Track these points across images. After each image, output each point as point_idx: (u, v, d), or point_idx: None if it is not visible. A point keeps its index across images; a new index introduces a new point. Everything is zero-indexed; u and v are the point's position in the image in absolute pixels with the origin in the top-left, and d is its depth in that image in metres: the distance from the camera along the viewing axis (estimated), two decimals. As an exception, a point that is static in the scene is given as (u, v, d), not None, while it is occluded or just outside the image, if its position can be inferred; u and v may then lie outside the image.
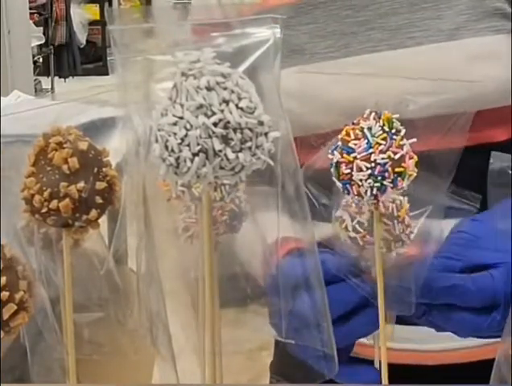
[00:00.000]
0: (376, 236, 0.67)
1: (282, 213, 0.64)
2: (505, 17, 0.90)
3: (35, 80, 6.46)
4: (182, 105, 0.50)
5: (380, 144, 0.64)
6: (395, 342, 0.84)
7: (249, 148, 0.50)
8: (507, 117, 0.91)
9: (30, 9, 6.23)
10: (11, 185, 0.59)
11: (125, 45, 0.60)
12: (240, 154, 0.50)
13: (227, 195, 0.63)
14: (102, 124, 0.73)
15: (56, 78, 8.22)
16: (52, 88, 7.83)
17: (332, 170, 0.65)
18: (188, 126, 0.49)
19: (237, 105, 0.50)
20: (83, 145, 0.57)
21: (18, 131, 0.66)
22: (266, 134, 0.51)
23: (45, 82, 7.58)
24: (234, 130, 0.50)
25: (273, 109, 0.57)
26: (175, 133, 0.50)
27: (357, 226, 0.69)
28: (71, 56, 8.62)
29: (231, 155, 0.49)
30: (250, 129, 0.50)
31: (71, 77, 8.49)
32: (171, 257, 0.71)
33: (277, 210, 0.65)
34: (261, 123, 0.51)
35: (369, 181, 0.63)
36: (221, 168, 0.50)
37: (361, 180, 0.64)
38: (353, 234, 0.69)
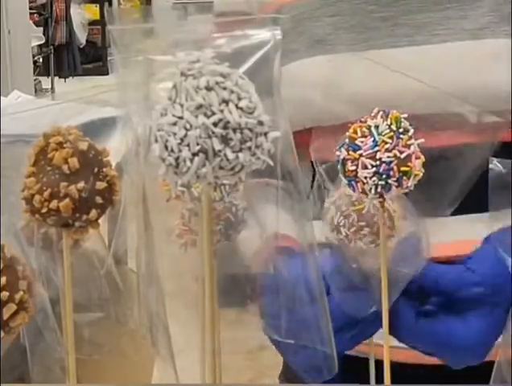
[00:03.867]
0: (381, 234, 0.67)
1: (282, 212, 0.64)
2: None
3: (35, 80, 6.47)
4: (181, 105, 0.50)
5: (386, 142, 0.64)
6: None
7: (249, 148, 0.50)
8: None
9: (31, 9, 6.23)
10: (11, 185, 0.59)
11: (125, 45, 0.60)
12: (240, 154, 0.50)
13: (226, 195, 0.63)
14: (102, 124, 0.73)
15: (56, 78, 8.22)
16: (52, 88, 7.84)
17: (339, 166, 0.66)
18: (188, 126, 0.49)
19: (236, 105, 0.50)
20: (83, 145, 0.57)
21: (18, 131, 0.66)
22: (265, 134, 0.51)
23: (45, 82, 7.58)
24: (234, 130, 0.50)
25: (273, 109, 0.57)
26: (174, 133, 0.50)
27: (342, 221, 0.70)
28: (71, 56, 8.61)
29: (231, 155, 0.49)
30: (250, 129, 0.50)
31: (71, 77, 8.49)
32: (170, 257, 0.71)
33: (276, 210, 0.65)
34: (260, 123, 0.51)
35: (374, 179, 0.64)
36: (221, 168, 0.50)
37: (365, 177, 0.64)
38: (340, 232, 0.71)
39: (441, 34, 0.91)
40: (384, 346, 0.68)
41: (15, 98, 2.28)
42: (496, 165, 0.70)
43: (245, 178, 0.52)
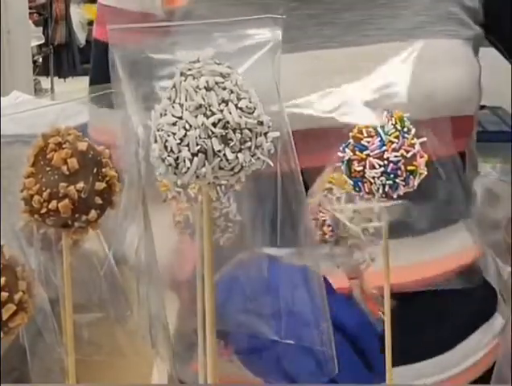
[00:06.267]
0: (384, 235, 0.67)
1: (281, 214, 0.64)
2: (459, 23, 0.88)
3: (35, 79, 6.47)
4: (181, 105, 0.50)
5: (393, 142, 0.64)
6: None
7: (249, 148, 0.50)
8: (456, 130, 0.86)
9: (30, 9, 6.24)
10: (10, 185, 0.59)
11: (124, 45, 0.60)
12: (239, 154, 0.50)
13: (223, 195, 0.63)
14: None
15: (56, 78, 8.22)
16: (52, 87, 7.84)
17: (343, 167, 0.65)
18: (187, 126, 0.49)
19: (236, 105, 0.50)
20: (82, 146, 0.57)
21: (17, 131, 0.66)
22: (265, 134, 0.51)
23: (45, 82, 7.59)
24: (234, 130, 0.49)
25: (273, 109, 0.57)
26: (174, 133, 0.50)
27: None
28: (70, 56, 8.62)
29: (230, 155, 0.49)
30: (250, 129, 0.50)
31: (70, 77, 8.49)
32: (170, 257, 0.71)
33: (276, 211, 0.65)
34: (260, 123, 0.51)
35: (382, 178, 0.63)
36: (221, 168, 0.50)
37: (373, 178, 0.64)
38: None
39: (371, 34, 0.85)
40: (386, 346, 0.68)
41: (15, 98, 2.28)
42: (478, 184, 0.70)
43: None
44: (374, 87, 0.73)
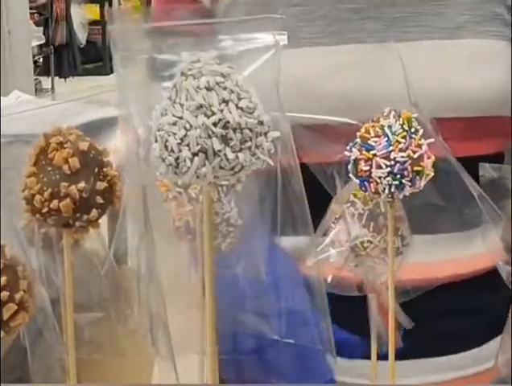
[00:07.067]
0: (389, 235, 0.67)
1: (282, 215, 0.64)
2: (504, 24, 0.89)
3: (36, 79, 6.48)
4: (182, 105, 0.50)
5: (400, 142, 0.63)
6: None
7: (249, 148, 0.50)
8: (494, 130, 0.90)
9: (31, 9, 6.24)
10: (12, 185, 0.59)
11: (124, 45, 0.60)
12: (239, 154, 0.50)
13: (224, 195, 0.63)
14: (102, 124, 0.73)
15: (56, 78, 8.23)
16: (52, 87, 7.85)
17: (350, 166, 0.65)
18: (188, 126, 0.50)
19: (236, 105, 0.50)
20: (83, 146, 0.57)
21: (18, 131, 0.66)
22: (265, 134, 0.51)
23: (45, 82, 7.59)
24: (234, 130, 0.50)
25: (273, 110, 0.57)
26: (174, 133, 0.50)
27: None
28: (71, 56, 8.62)
29: (231, 155, 0.50)
30: (250, 129, 0.50)
31: (71, 77, 8.50)
32: (170, 257, 0.71)
33: (277, 210, 0.65)
34: (260, 123, 0.51)
35: (388, 179, 0.63)
36: (221, 168, 0.50)
37: (379, 177, 0.63)
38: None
39: (413, 31, 0.87)
40: (389, 346, 0.68)
41: (15, 98, 2.28)
42: (485, 171, 0.70)
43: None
44: (412, 84, 0.74)
